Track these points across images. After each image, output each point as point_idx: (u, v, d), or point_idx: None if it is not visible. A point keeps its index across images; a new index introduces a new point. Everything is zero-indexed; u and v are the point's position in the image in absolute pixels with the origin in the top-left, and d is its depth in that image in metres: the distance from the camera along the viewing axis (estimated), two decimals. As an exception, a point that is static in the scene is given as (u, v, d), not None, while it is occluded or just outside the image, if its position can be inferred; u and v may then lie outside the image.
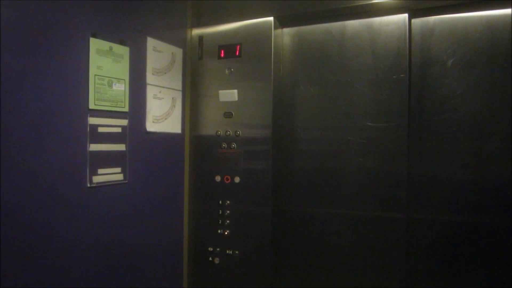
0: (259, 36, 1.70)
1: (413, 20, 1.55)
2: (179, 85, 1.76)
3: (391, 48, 1.56)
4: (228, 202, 1.76)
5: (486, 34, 1.45)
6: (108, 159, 1.39)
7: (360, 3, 1.55)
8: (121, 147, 1.44)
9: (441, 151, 1.52)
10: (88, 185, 1.31)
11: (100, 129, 1.35)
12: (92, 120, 1.32)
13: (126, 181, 1.47)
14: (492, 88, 1.45)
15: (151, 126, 1.58)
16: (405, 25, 1.53)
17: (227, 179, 1.76)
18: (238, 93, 1.74)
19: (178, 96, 1.75)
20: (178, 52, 1.75)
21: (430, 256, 1.54)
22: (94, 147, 1.32)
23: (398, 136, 1.54)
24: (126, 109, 1.46)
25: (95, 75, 1.33)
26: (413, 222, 1.55)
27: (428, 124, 1.53)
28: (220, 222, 1.78)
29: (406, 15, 1.53)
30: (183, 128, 1.79)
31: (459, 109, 1.48)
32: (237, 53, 1.74)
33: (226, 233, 1.77)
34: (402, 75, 1.54)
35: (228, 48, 1.77)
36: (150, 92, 1.58)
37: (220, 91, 1.77)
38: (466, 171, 1.48)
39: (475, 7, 1.47)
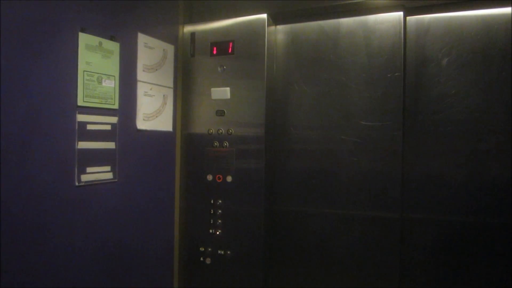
0: (252, 34, 1.68)
1: (408, 18, 1.55)
2: (170, 82, 1.73)
3: (386, 47, 1.55)
4: (220, 201, 1.74)
5: (481, 33, 1.45)
6: (97, 157, 1.35)
7: (355, 1, 1.54)
8: (110, 145, 1.41)
9: (436, 150, 1.51)
10: (77, 184, 1.28)
11: (89, 127, 1.32)
12: (81, 117, 1.29)
13: (116, 180, 1.44)
14: (487, 87, 1.44)
15: (142, 123, 1.55)
16: (400, 23, 1.52)
17: (219, 178, 1.74)
18: (231, 91, 1.72)
19: (170, 94, 1.72)
20: (170, 48, 1.72)
21: (424, 256, 1.54)
22: (82, 145, 1.29)
23: (393, 135, 1.53)
24: (116, 106, 1.43)
25: (84, 71, 1.29)
26: (408, 222, 1.55)
27: (423, 123, 1.52)
28: (211, 222, 1.75)
29: (401, 13, 1.52)
30: (174, 126, 1.76)
31: (454, 108, 1.48)
32: (230, 51, 1.72)
33: (218, 233, 1.74)
34: (397, 74, 1.52)
35: (221, 45, 1.74)
36: (141, 89, 1.55)
37: (212, 89, 1.75)
38: (461, 170, 1.47)
39: (470, 6, 1.47)
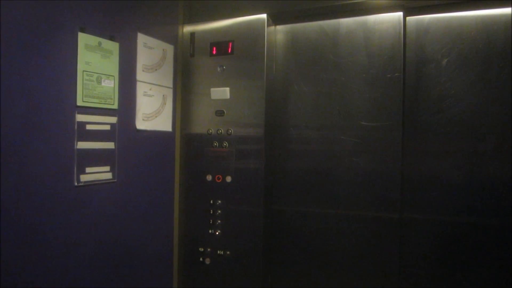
0: (252, 34, 1.68)
1: (408, 19, 1.54)
2: (170, 83, 1.73)
3: (385, 47, 1.54)
4: (219, 201, 1.74)
5: (481, 34, 1.45)
6: (96, 158, 1.35)
7: (355, 1, 1.54)
8: (110, 145, 1.41)
9: (435, 150, 1.51)
10: (76, 184, 1.28)
11: (88, 127, 1.32)
12: (80, 117, 1.28)
13: (115, 180, 1.43)
14: (487, 87, 1.44)
15: (141, 124, 1.55)
16: (400, 24, 1.52)
17: (219, 179, 1.74)
18: (230, 91, 1.72)
19: (169, 94, 1.72)
20: (169, 48, 1.72)
21: (423, 256, 1.53)
22: (82, 145, 1.29)
23: (392, 135, 1.53)
24: (115, 106, 1.42)
25: (83, 71, 1.29)
26: (407, 222, 1.55)
27: (423, 123, 1.52)
28: (211, 222, 1.75)
29: (401, 14, 1.52)
30: (173, 126, 1.76)
31: (454, 108, 1.47)
32: (229, 51, 1.72)
33: (217, 233, 1.74)
34: (396, 74, 1.52)
35: (220, 45, 1.74)
36: (140, 89, 1.55)
37: (212, 89, 1.75)
38: (460, 171, 1.47)
39: (470, 6, 1.46)
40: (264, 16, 1.65)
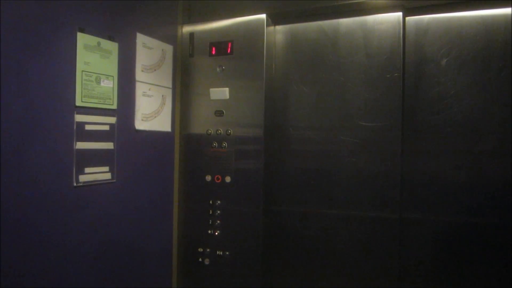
0: (251, 34, 1.67)
1: (407, 19, 1.54)
2: (169, 83, 1.72)
3: (385, 47, 1.54)
4: (218, 202, 1.74)
5: (480, 34, 1.45)
6: (95, 158, 1.35)
7: (354, 1, 1.54)
8: (109, 145, 1.41)
9: (435, 151, 1.51)
10: (75, 184, 1.27)
11: (87, 127, 1.31)
12: (79, 118, 1.28)
13: (114, 181, 1.43)
14: (486, 87, 1.44)
15: (140, 124, 1.55)
16: (399, 24, 1.52)
17: (218, 179, 1.74)
18: (230, 91, 1.71)
19: (168, 94, 1.72)
20: (169, 49, 1.72)
21: (423, 256, 1.53)
22: (80, 145, 1.29)
23: (392, 135, 1.53)
24: (114, 106, 1.42)
25: (82, 71, 1.29)
26: (406, 222, 1.54)
27: (422, 123, 1.52)
28: (210, 223, 1.75)
29: (400, 14, 1.52)
30: (173, 127, 1.76)
31: (453, 108, 1.47)
32: (229, 51, 1.72)
33: (216, 233, 1.74)
34: (396, 74, 1.52)
35: (220, 45, 1.74)
36: (139, 89, 1.55)
37: (211, 89, 1.74)
38: (459, 171, 1.47)
39: (470, 6, 1.46)
40: (263, 16, 1.65)
